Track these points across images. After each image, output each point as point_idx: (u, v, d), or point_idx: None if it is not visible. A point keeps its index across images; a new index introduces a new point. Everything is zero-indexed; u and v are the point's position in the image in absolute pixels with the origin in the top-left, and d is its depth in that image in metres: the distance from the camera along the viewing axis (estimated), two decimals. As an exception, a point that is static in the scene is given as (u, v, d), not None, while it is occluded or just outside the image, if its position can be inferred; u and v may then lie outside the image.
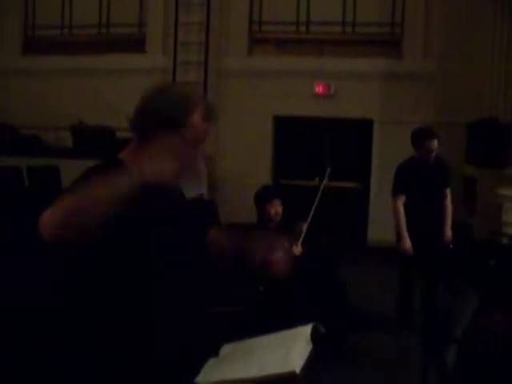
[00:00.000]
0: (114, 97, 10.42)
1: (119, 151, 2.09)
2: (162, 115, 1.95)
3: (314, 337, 1.99)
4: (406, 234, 5.43)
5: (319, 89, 10.59)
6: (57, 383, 2.59)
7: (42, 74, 11.29)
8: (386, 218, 9.11)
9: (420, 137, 5.47)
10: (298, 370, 1.81)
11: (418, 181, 5.52)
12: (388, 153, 10.08)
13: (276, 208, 4.96)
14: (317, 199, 5.24)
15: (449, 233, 5.49)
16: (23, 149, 9.84)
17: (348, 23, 10.57)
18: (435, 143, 5.36)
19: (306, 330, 2.03)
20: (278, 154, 10.98)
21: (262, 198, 4.98)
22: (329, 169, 5.54)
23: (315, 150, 10.61)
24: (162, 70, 10.88)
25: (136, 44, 11.27)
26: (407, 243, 5.42)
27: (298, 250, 4.91)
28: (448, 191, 5.61)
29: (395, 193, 5.60)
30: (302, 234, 4.99)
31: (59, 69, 11.20)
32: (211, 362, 2.05)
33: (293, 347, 1.93)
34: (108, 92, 10.78)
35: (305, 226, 5.03)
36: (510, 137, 7.89)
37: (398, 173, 5.67)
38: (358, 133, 10.61)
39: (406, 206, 5.54)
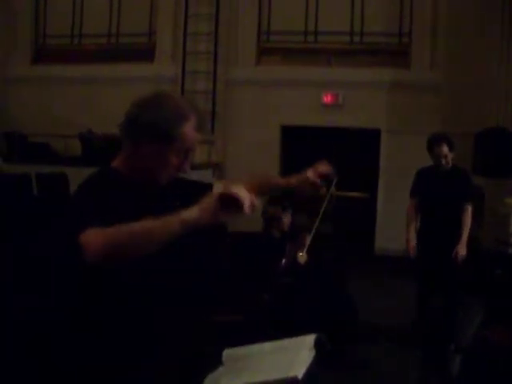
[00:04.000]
0: (123, 106, 10.38)
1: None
2: (155, 128, 1.99)
3: (318, 346, 2.01)
4: (410, 236, 5.48)
5: (327, 98, 10.62)
6: None
7: (51, 82, 11.39)
8: (394, 227, 9.16)
9: (430, 143, 5.42)
10: (300, 376, 1.83)
11: (429, 187, 5.49)
12: (395, 162, 10.10)
13: (288, 218, 5.01)
14: (322, 209, 5.23)
15: (462, 250, 5.24)
16: (32, 156, 9.91)
17: (356, 33, 10.60)
18: (444, 148, 5.27)
19: (309, 339, 2.05)
20: (285, 163, 11.00)
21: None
22: (335, 179, 5.51)
23: (323, 160, 10.61)
24: (171, 79, 10.95)
25: (145, 53, 11.36)
26: (410, 244, 5.46)
27: (303, 258, 4.91)
28: (468, 206, 5.38)
29: (410, 195, 5.68)
30: (307, 245, 4.99)
31: (69, 77, 11.30)
32: (217, 370, 2.07)
33: (296, 354, 1.95)
34: (117, 101, 10.76)
35: (308, 237, 5.03)
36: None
37: (414, 176, 5.72)
38: (365, 142, 10.62)
39: (420, 210, 5.59)
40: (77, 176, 8.61)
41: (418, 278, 5.68)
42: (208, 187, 2.33)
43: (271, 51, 11.03)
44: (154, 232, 1.76)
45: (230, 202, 1.75)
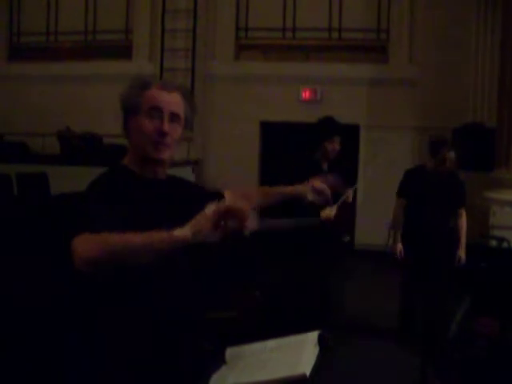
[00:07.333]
0: (101, 103, 10.40)
1: (108, 157, 2.16)
2: (125, 103, 2.06)
3: (321, 343, 2.02)
4: (398, 237, 5.43)
5: (305, 94, 10.66)
6: None
7: (28, 80, 11.26)
8: (373, 222, 9.24)
9: (436, 146, 5.33)
10: (308, 372, 1.84)
11: (420, 189, 5.39)
12: (374, 157, 10.18)
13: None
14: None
15: (462, 255, 5.28)
16: (10, 156, 9.79)
17: (334, 29, 10.65)
18: (452, 154, 5.25)
19: (312, 336, 2.06)
20: (264, 159, 11.02)
21: None
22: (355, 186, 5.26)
23: (301, 155, 10.64)
24: (149, 76, 10.86)
25: (122, 50, 11.29)
26: (398, 246, 5.40)
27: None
28: (463, 211, 5.41)
29: (397, 194, 5.57)
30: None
31: (45, 75, 11.18)
32: (221, 369, 2.07)
33: (300, 351, 1.96)
34: (94, 98, 10.77)
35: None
36: (495, 141, 8.00)
37: (404, 175, 5.60)
38: (344, 138, 10.65)
39: (408, 211, 5.47)
40: (57, 175, 8.52)
41: (403, 277, 5.64)
42: (218, 195, 2.32)
43: (249, 47, 11.04)
44: (141, 248, 1.73)
45: (225, 220, 1.74)
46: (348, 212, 5.22)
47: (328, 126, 4.96)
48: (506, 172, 7.36)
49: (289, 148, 10.85)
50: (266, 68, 10.65)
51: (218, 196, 2.30)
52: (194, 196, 2.21)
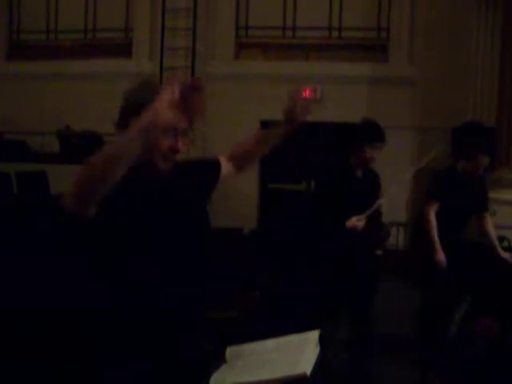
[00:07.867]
0: (101, 102, 10.39)
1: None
2: (134, 106, 1.97)
3: (322, 341, 2.02)
4: (439, 245, 4.89)
5: (305, 93, 10.63)
6: None
7: (27, 78, 11.21)
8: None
9: (474, 149, 4.97)
10: (308, 372, 1.84)
11: (454, 192, 5.02)
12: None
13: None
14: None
15: (506, 254, 5.06)
16: (10, 154, 9.78)
17: (334, 28, 10.67)
18: (487, 160, 4.96)
19: (313, 335, 2.06)
20: (265, 158, 10.98)
21: None
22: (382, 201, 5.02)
23: (302, 154, 10.65)
24: (149, 75, 10.87)
25: (122, 49, 11.28)
26: (441, 254, 4.86)
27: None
28: (487, 215, 5.20)
29: (429, 197, 5.11)
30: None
31: (45, 74, 11.14)
32: (221, 368, 2.07)
33: (303, 350, 1.96)
34: (94, 97, 10.75)
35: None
36: (495, 140, 7.98)
37: (436, 178, 5.18)
38: (344, 137, 10.64)
39: (441, 215, 5.03)
40: (56, 173, 8.51)
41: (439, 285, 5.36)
42: (214, 161, 2.43)
43: (249, 46, 11.05)
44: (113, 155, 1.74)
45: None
46: (379, 223, 4.88)
47: (374, 129, 4.59)
48: (508, 172, 7.36)
49: (289, 146, 10.84)
50: (265, 67, 10.64)
51: (213, 163, 2.43)
52: (194, 176, 2.30)
